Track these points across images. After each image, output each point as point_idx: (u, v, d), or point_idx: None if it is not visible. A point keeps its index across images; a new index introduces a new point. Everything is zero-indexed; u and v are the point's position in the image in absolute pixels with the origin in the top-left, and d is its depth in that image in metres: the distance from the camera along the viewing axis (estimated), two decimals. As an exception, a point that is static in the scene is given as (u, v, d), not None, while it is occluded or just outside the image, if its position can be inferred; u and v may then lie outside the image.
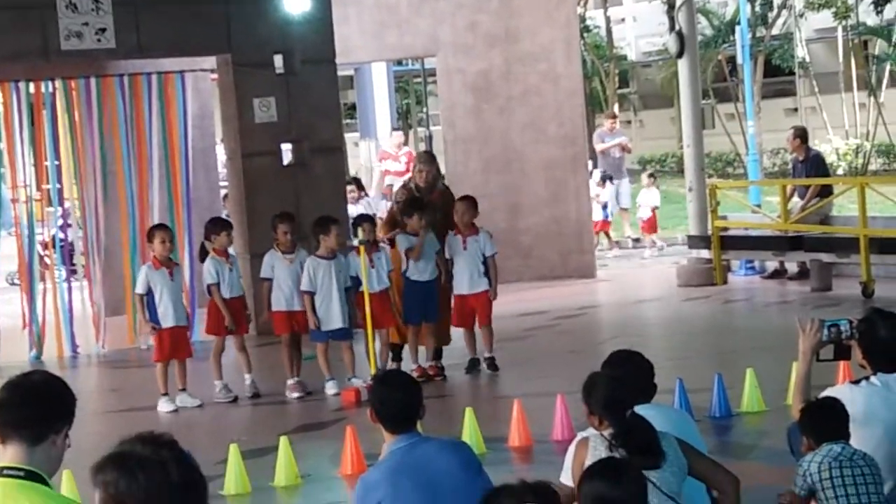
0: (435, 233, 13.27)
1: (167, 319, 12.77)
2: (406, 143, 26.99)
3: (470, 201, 13.60)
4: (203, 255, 13.21)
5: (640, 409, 6.02)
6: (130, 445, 3.70)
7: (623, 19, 48.06)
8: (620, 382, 6.04)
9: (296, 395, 12.85)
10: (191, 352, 13.13)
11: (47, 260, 18.43)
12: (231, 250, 13.47)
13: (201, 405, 12.82)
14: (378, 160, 25.12)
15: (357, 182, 21.75)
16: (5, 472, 4.36)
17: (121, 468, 3.64)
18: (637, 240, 24.50)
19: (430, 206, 13.37)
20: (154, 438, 3.70)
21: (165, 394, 12.80)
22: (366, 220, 13.46)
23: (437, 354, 13.39)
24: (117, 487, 3.62)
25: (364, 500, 6.30)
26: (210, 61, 17.51)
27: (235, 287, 13.07)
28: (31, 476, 4.35)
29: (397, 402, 6.34)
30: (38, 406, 4.42)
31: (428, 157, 14.27)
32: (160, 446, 3.69)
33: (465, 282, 13.37)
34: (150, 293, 12.79)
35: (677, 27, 19.55)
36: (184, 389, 12.88)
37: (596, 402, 5.98)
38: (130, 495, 3.62)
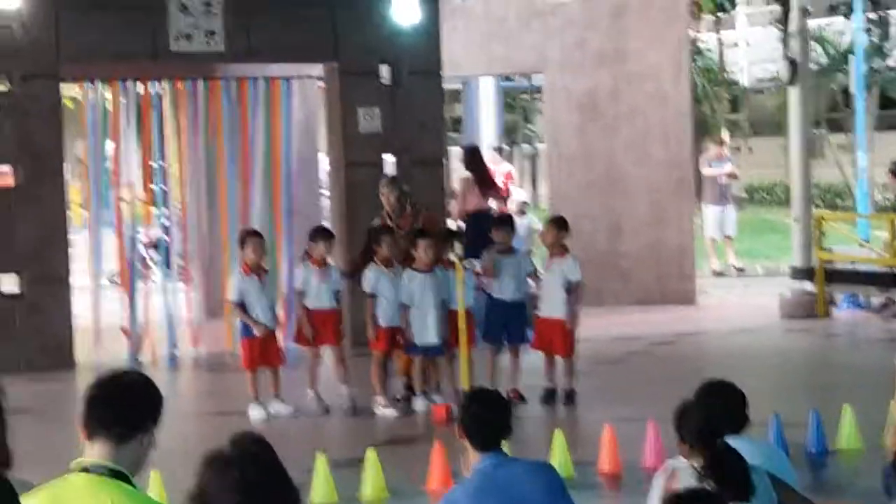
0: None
1: (257, 332, 12.72)
2: (510, 160, 26.93)
3: (555, 222, 13.40)
4: (304, 259, 13.19)
5: (731, 441, 5.88)
6: (226, 444, 3.91)
7: (736, 44, 47.65)
8: (714, 412, 5.92)
9: (387, 411, 12.76)
10: (282, 359, 13.02)
11: (149, 261, 18.58)
12: (330, 261, 13.36)
13: (294, 413, 12.76)
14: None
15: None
16: (91, 468, 4.36)
17: (208, 464, 3.85)
18: (741, 269, 24.21)
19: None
20: (242, 437, 3.90)
21: (257, 400, 12.77)
22: (457, 235, 13.37)
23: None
24: (202, 481, 3.83)
25: (448, 518, 6.23)
26: (317, 68, 17.55)
27: (324, 298, 12.93)
28: (115, 474, 4.37)
29: (486, 420, 6.27)
30: (126, 405, 4.44)
31: (388, 181, 13.83)
32: (245, 444, 3.87)
33: (544, 304, 13.13)
34: (242, 300, 12.75)
35: (790, 54, 19.30)
36: (277, 396, 12.84)
37: (688, 430, 5.86)
38: (211, 489, 3.80)
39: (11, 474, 4.84)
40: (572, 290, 12.94)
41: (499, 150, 26.24)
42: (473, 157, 18.72)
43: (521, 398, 13.00)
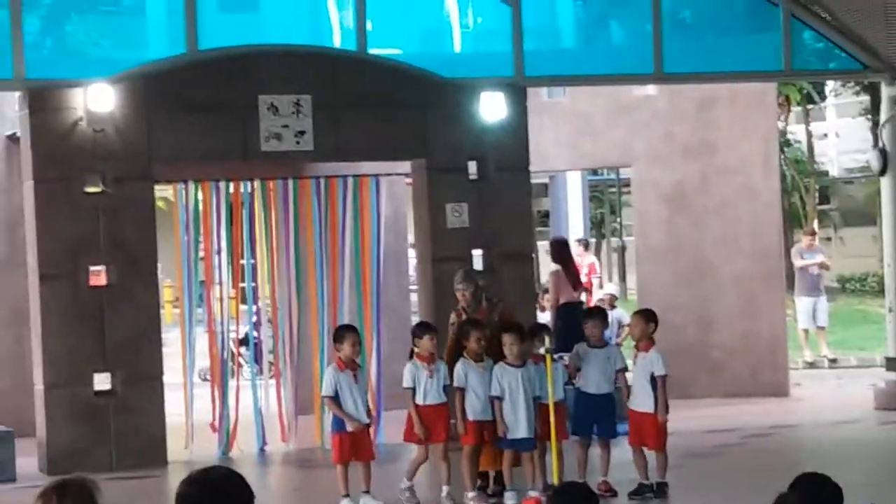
0: (485, 352, 12.81)
1: (349, 426, 12.72)
2: (598, 253, 26.86)
3: (642, 314, 13.36)
4: (411, 357, 13.04)
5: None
6: None
7: (825, 135, 47.51)
8: (821, 494, 5.79)
9: None
10: (373, 454, 12.97)
11: (240, 358, 18.71)
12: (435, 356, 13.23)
13: None
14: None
15: (547, 291, 21.67)
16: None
17: None
18: (834, 360, 23.94)
19: (480, 324, 13.00)
20: None
21: (346, 495, 12.71)
22: (546, 329, 13.35)
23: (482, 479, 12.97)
24: None
25: None
26: (405, 165, 17.70)
27: (433, 394, 12.79)
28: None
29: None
30: (217, 501, 4.44)
31: (463, 276, 13.68)
32: None
33: (634, 398, 13.03)
34: (336, 395, 12.79)
35: (881, 144, 19.20)
36: (367, 492, 12.77)
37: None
38: None
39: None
40: (657, 384, 12.83)
41: (584, 242, 26.23)
42: (561, 250, 18.75)
43: (612, 491, 12.90)
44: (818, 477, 6.30)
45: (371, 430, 13.45)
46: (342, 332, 13.06)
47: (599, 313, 13.94)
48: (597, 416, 13.06)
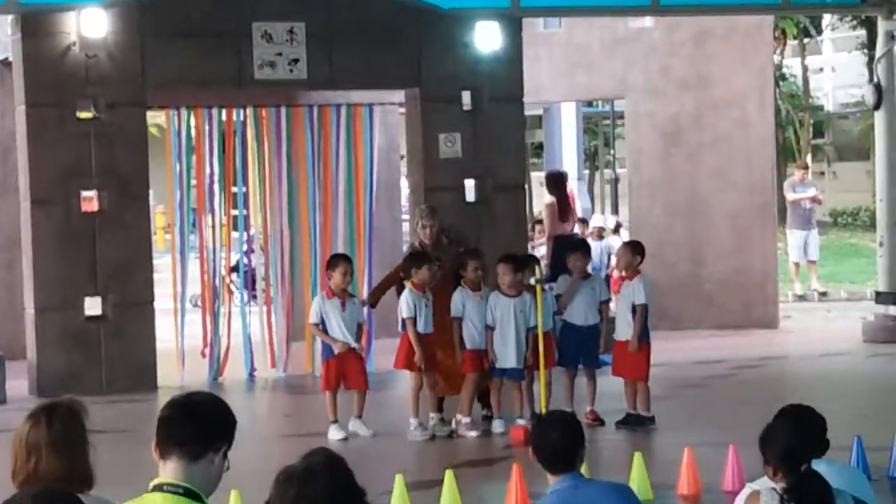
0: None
1: (335, 348, 12.80)
2: (591, 185, 26.81)
3: (628, 246, 13.38)
4: (400, 288, 13.07)
5: (813, 464, 5.84)
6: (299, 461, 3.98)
7: (821, 69, 47.40)
8: (796, 436, 5.87)
9: (473, 433, 12.73)
10: (365, 384, 12.94)
11: (231, 285, 18.73)
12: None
13: (374, 435, 12.81)
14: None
15: (540, 223, 21.68)
16: (165, 487, 4.43)
17: (281, 480, 3.89)
18: (824, 293, 24.02)
19: (478, 253, 13.08)
20: (312, 453, 3.95)
21: (335, 421, 12.80)
22: (536, 260, 13.39)
23: (439, 406, 13.01)
24: (274, 497, 3.87)
25: (523, 539, 6.25)
26: (398, 95, 17.66)
27: (429, 323, 12.84)
28: (189, 494, 4.42)
29: (556, 442, 6.25)
30: (199, 424, 4.50)
31: (430, 212, 13.59)
32: (313, 461, 3.93)
33: (617, 328, 13.05)
34: (323, 322, 12.84)
35: (876, 79, 19.17)
36: (359, 416, 12.84)
37: (772, 452, 5.81)
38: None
39: (94, 493, 4.95)
40: (636, 313, 12.85)
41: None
42: (557, 182, 18.71)
43: (600, 420, 12.98)
44: (803, 409, 6.37)
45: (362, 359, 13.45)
46: (335, 261, 13.12)
47: (583, 246, 13.98)
48: (582, 347, 13.12)
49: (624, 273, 13.17)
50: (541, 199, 30.73)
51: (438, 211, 13.78)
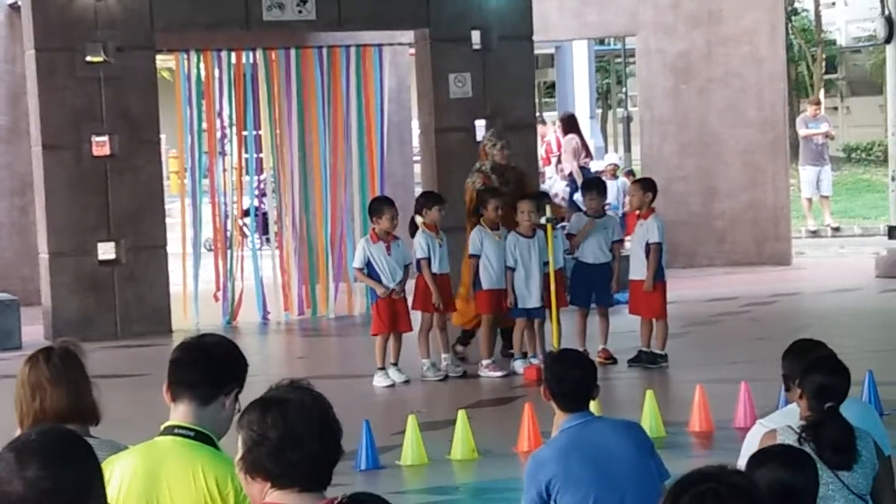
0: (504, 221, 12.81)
1: (378, 292, 12.52)
2: (604, 124, 26.73)
3: (640, 184, 13.29)
4: (413, 229, 12.94)
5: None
6: (271, 391, 3.88)
7: (833, 3, 47.02)
8: (838, 377, 5.83)
9: (497, 373, 12.68)
10: (411, 325, 12.67)
11: (244, 229, 18.76)
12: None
13: (408, 381, 12.58)
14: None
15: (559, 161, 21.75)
16: (176, 430, 4.45)
17: (257, 409, 3.80)
18: (837, 229, 23.99)
19: (498, 192, 12.97)
20: (290, 383, 3.87)
21: (383, 368, 12.55)
22: (546, 197, 13.33)
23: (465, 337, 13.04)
24: (254, 426, 3.77)
25: (534, 477, 6.27)
26: (408, 35, 17.59)
27: (444, 263, 12.72)
28: (200, 437, 4.44)
29: (571, 379, 6.29)
30: (210, 367, 4.50)
31: (497, 133, 13.76)
32: (293, 390, 3.84)
33: (631, 267, 13.01)
34: (370, 266, 12.56)
35: (887, 12, 19.05)
36: (395, 364, 12.62)
37: (811, 382, 5.78)
38: (266, 432, 3.76)
39: (105, 435, 4.97)
40: (650, 252, 12.79)
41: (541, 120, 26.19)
42: (573, 123, 18.84)
43: (612, 359, 13.01)
44: (815, 344, 6.37)
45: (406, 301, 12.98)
46: (381, 206, 12.77)
47: (597, 185, 13.90)
48: (594, 285, 13.07)
49: (638, 212, 13.11)
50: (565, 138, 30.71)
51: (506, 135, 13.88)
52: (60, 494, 2.88)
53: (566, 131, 18.68)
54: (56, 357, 4.98)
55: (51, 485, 2.87)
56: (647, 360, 12.82)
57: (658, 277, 12.81)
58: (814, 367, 5.85)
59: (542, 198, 13.26)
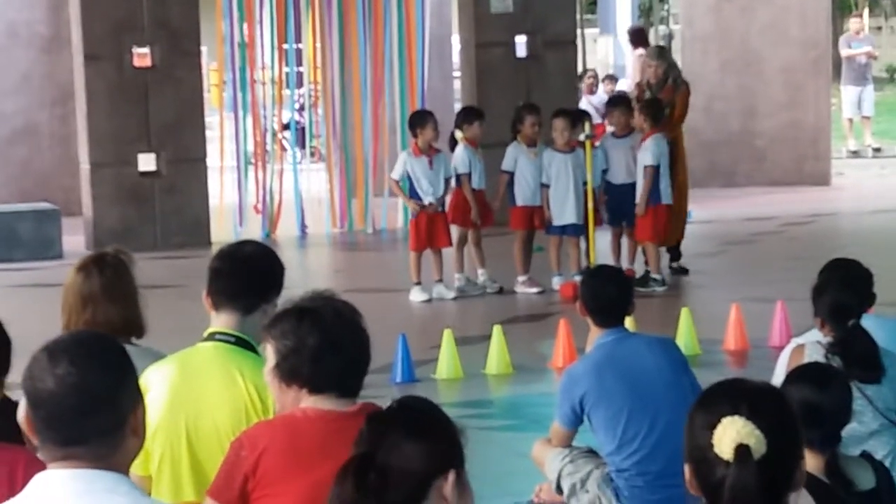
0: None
1: (409, 208, 12.51)
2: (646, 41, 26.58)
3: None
4: (452, 144, 12.81)
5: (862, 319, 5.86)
6: (298, 302, 3.98)
7: (881, -81, 46.37)
8: (849, 289, 5.86)
9: (533, 290, 12.65)
10: (450, 240, 12.57)
11: (284, 142, 18.80)
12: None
13: (455, 298, 12.51)
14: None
15: (596, 76, 21.75)
16: (217, 336, 4.51)
17: (291, 318, 3.92)
18: (878, 149, 23.84)
19: (658, 103, 12.99)
20: (318, 294, 3.98)
21: (419, 283, 12.47)
22: (585, 115, 13.25)
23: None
24: (289, 335, 3.89)
25: (569, 392, 6.34)
26: (450, -51, 17.51)
27: (482, 179, 12.66)
28: (241, 343, 4.50)
29: (607, 295, 6.34)
30: (250, 276, 4.56)
31: (658, 52, 13.85)
32: (322, 299, 3.95)
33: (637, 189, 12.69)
34: (410, 180, 12.47)
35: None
36: (440, 280, 12.49)
37: (823, 304, 5.82)
38: (304, 339, 3.87)
39: (147, 345, 5.05)
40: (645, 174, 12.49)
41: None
42: (642, 36, 19.02)
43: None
44: (850, 262, 6.38)
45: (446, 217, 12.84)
46: (422, 119, 12.58)
47: (623, 102, 13.38)
48: (623, 205, 12.75)
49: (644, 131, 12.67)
50: (594, 56, 30.58)
51: (664, 54, 13.94)
52: (88, 390, 2.95)
53: (635, 45, 18.69)
54: (109, 268, 5.01)
55: (78, 380, 2.95)
56: (638, 283, 12.08)
57: (654, 201, 12.49)
58: (823, 288, 5.86)
59: (582, 115, 13.17)
